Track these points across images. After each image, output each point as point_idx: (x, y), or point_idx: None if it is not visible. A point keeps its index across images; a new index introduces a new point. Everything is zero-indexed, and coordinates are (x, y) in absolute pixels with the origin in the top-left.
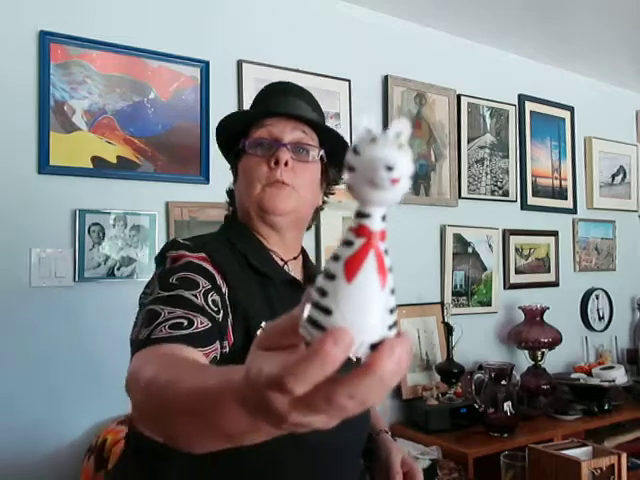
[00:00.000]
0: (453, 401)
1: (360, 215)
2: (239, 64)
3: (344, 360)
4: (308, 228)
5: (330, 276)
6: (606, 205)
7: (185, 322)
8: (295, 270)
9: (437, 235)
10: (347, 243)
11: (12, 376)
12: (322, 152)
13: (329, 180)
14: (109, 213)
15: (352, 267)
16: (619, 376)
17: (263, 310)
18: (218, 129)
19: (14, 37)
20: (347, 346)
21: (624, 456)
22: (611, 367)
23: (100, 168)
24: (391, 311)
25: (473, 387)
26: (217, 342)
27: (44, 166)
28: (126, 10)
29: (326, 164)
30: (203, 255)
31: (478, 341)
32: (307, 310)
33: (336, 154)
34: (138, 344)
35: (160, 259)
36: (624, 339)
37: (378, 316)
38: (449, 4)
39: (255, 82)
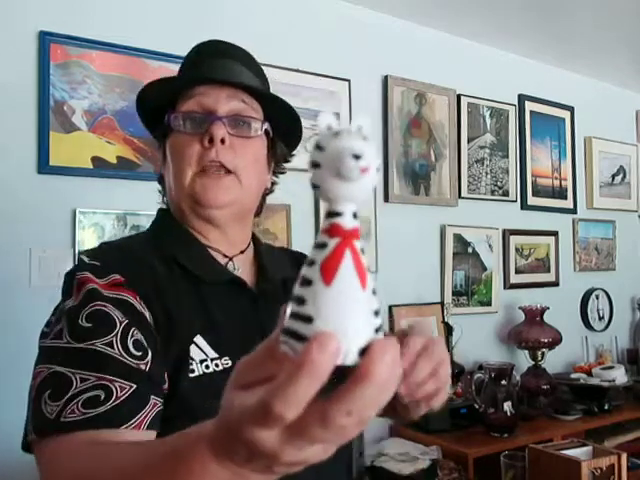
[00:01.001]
0: (453, 401)
1: (331, 214)
2: None
3: (332, 369)
4: (257, 215)
5: (307, 282)
6: (606, 205)
7: (102, 395)
8: (243, 266)
9: (437, 235)
10: (321, 245)
11: (11, 376)
12: (267, 125)
13: (277, 158)
14: (109, 213)
15: (329, 268)
16: (619, 376)
17: (198, 321)
18: (138, 102)
19: (14, 37)
20: (334, 351)
21: (624, 456)
22: (611, 367)
23: (100, 168)
24: (376, 313)
25: (473, 387)
26: (151, 399)
27: (44, 166)
28: (126, 10)
29: (273, 139)
30: (115, 277)
31: (478, 341)
32: (286, 324)
33: (285, 127)
34: (45, 425)
35: (67, 281)
36: (624, 339)
37: (363, 318)
38: (449, 4)
39: None
